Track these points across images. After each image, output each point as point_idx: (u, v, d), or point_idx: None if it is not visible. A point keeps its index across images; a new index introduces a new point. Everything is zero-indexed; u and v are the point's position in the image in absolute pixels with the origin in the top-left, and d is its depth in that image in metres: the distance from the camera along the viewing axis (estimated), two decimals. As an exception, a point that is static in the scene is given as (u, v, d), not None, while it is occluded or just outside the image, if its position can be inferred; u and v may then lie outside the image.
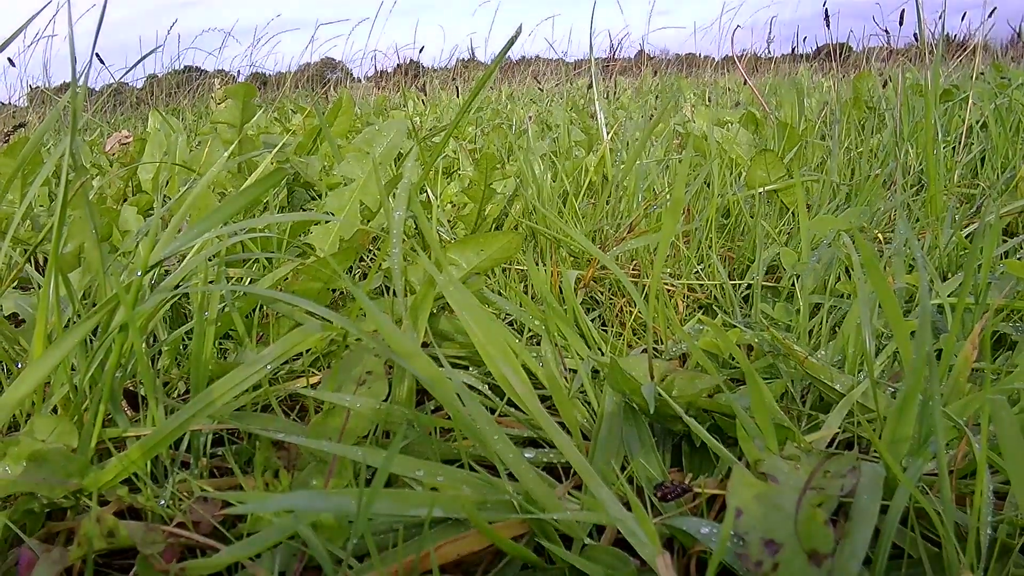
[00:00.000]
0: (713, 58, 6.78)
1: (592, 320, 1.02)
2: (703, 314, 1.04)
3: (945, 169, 1.58)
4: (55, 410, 0.65)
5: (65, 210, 0.66)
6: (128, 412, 0.74)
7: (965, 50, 3.12)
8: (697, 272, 1.15)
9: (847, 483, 0.48)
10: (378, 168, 0.92)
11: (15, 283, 0.88)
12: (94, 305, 0.71)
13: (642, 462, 0.62)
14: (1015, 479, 0.43)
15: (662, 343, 0.89)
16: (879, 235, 1.20)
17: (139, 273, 0.60)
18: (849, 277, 0.98)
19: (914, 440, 0.52)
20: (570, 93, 4.29)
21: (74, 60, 0.68)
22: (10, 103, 5.29)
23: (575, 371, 0.79)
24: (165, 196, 1.39)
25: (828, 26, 4.40)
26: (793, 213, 1.32)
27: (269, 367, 0.60)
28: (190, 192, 0.72)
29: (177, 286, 0.64)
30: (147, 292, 0.72)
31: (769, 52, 6.66)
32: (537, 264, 1.16)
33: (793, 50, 6.39)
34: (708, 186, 1.43)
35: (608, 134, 1.59)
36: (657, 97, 3.91)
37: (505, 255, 0.87)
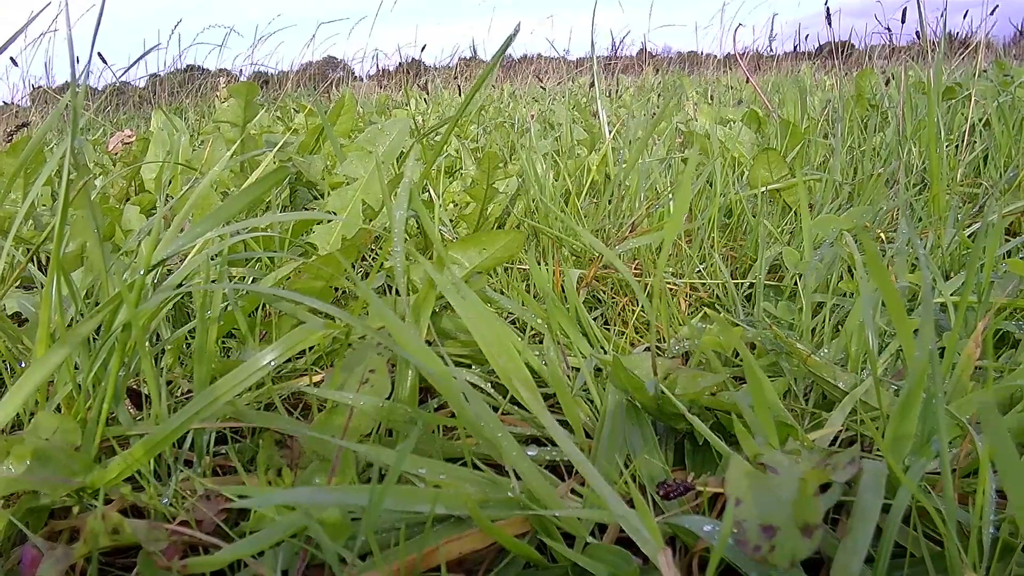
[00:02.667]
0: (715, 56, 6.78)
1: (594, 319, 1.02)
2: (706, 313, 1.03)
3: (948, 168, 1.57)
4: (58, 408, 0.65)
5: (67, 209, 0.66)
6: (131, 410, 0.74)
7: (967, 48, 3.11)
8: (699, 271, 1.14)
9: (848, 472, 0.48)
10: (380, 167, 0.92)
11: (18, 283, 0.88)
12: (97, 304, 0.71)
13: (645, 460, 0.62)
14: (1009, 486, 0.43)
15: (664, 341, 0.89)
16: (882, 234, 1.20)
17: (142, 272, 0.60)
18: (852, 276, 0.98)
19: (917, 438, 0.52)
20: (572, 91, 4.29)
21: (74, 60, 0.69)
22: (13, 103, 5.29)
23: (578, 369, 0.79)
24: (168, 195, 1.40)
25: (830, 24, 4.39)
26: (795, 212, 1.32)
27: (272, 365, 0.60)
28: (193, 191, 0.72)
29: (180, 285, 0.64)
30: (150, 291, 0.72)
31: (771, 50, 6.66)
32: (539, 263, 1.16)
33: (795, 48, 6.40)
34: (710, 185, 1.42)
35: (610, 133, 1.59)
36: (659, 95, 3.91)
37: (507, 254, 0.87)
